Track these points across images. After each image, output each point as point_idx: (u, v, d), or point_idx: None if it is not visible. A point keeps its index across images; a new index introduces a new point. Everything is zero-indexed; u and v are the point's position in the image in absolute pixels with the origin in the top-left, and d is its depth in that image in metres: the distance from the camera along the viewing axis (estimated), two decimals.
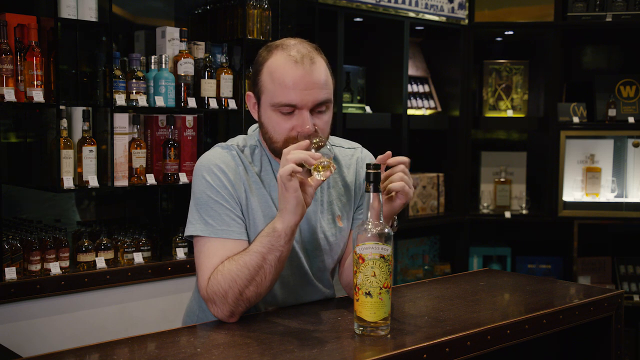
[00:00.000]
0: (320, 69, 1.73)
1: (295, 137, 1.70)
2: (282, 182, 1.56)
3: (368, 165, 1.58)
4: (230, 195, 1.74)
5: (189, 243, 2.95)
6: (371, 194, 1.58)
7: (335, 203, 1.88)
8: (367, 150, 2.01)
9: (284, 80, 1.69)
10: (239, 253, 1.66)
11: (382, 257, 1.54)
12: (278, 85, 1.70)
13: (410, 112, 4.15)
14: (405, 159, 1.68)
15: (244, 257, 1.63)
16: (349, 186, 1.92)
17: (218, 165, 1.75)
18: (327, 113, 1.76)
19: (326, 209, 1.86)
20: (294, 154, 1.56)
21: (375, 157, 1.71)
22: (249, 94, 1.82)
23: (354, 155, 1.96)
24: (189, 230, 1.74)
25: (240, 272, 1.62)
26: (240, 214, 1.75)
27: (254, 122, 1.90)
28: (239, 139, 1.87)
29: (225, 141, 1.89)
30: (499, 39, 4.69)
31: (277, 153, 1.73)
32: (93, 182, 2.71)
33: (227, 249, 1.69)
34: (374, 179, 1.58)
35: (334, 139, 1.98)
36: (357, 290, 1.57)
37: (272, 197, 1.79)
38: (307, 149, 1.59)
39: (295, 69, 1.69)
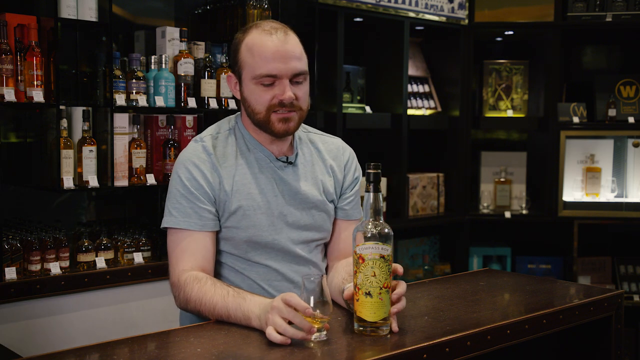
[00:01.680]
0: (294, 41, 1.83)
1: (276, 104, 1.80)
2: (267, 335, 1.51)
3: (368, 165, 1.58)
4: (197, 188, 1.82)
5: None
6: (371, 194, 1.58)
7: (319, 179, 1.96)
8: (346, 144, 2.10)
9: (262, 52, 1.79)
10: (219, 287, 1.70)
11: (382, 257, 1.54)
12: (258, 58, 1.79)
13: (410, 112, 4.15)
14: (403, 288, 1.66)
15: (217, 300, 1.68)
16: (328, 169, 1.99)
17: (192, 160, 1.85)
18: (304, 84, 1.85)
19: (311, 184, 1.94)
20: (293, 332, 1.48)
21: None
22: (230, 75, 1.91)
23: (333, 143, 2.05)
24: (162, 223, 1.86)
25: (208, 303, 1.70)
26: (208, 206, 1.83)
27: None
28: (213, 127, 1.96)
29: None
30: (499, 39, 4.69)
31: (261, 125, 1.85)
32: (93, 182, 2.71)
33: (191, 239, 1.81)
34: (374, 179, 1.58)
35: (312, 130, 2.07)
36: (357, 290, 1.57)
37: (249, 174, 1.87)
38: (309, 331, 1.49)
39: (271, 40, 1.79)
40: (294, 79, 1.81)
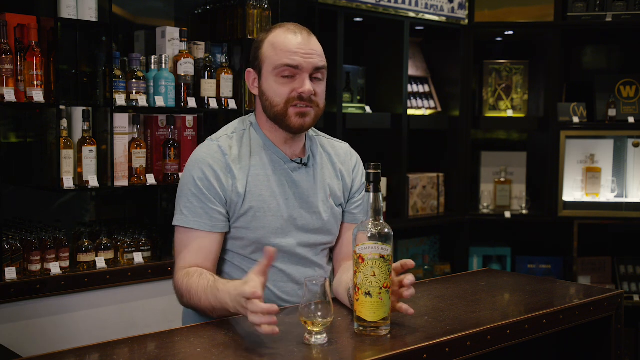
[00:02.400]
0: (316, 42, 1.87)
1: (295, 97, 1.81)
2: (249, 318, 1.49)
3: (368, 165, 1.58)
4: (210, 189, 1.83)
5: None
6: (371, 194, 1.58)
7: (328, 182, 1.97)
8: (353, 149, 2.11)
9: (285, 45, 1.82)
10: (202, 279, 1.72)
11: (382, 257, 1.54)
12: (280, 50, 1.82)
13: (410, 112, 4.15)
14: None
15: (200, 293, 1.70)
16: (337, 173, 2.00)
17: (206, 160, 1.85)
18: (323, 82, 1.88)
19: (320, 186, 1.94)
20: (268, 319, 1.46)
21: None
22: (249, 70, 1.92)
23: (342, 148, 2.06)
24: (173, 221, 1.87)
25: (195, 297, 1.73)
26: (218, 207, 1.83)
27: None
28: (228, 127, 1.96)
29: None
30: (499, 39, 4.69)
31: (277, 118, 1.85)
32: (93, 182, 2.71)
33: (199, 239, 1.82)
34: (374, 178, 1.58)
35: (322, 134, 2.08)
36: (357, 290, 1.57)
37: (262, 175, 1.87)
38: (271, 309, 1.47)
39: (295, 37, 1.83)
40: (314, 74, 1.83)
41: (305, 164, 1.93)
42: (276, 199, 1.87)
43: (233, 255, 1.90)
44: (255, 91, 1.91)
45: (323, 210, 1.93)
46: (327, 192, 1.95)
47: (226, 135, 1.91)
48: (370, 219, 1.57)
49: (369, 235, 1.55)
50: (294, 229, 1.89)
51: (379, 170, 1.58)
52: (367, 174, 1.58)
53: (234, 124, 1.96)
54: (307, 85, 1.81)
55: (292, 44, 1.81)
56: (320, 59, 1.85)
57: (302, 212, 1.90)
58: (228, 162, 1.85)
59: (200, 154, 1.87)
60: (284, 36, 1.83)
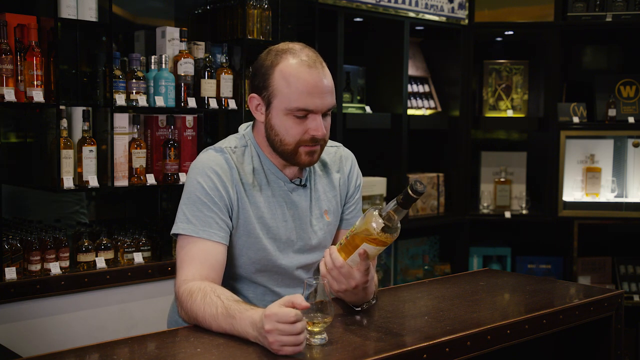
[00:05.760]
0: (329, 74, 1.80)
1: (307, 139, 1.76)
2: (266, 345, 1.45)
3: (415, 186, 1.56)
4: (220, 199, 1.78)
5: None
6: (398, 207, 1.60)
7: (322, 198, 1.94)
8: (347, 149, 2.07)
9: (301, 85, 1.74)
10: (207, 304, 1.59)
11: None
12: (294, 90, 1.74)
13: (410, 112, 4.15)
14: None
15: (209, 321, 1.58)
16: (334, 183, 1.98)
17: (213, 168, 1.79)
18: (329, 116, 1.83)
19: (314, 204, 1.92)
20: (303, 338, 1.42)
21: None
22: (254, 95, 1.83)
23: (337, 153, 2.02)
24: (173, 229, 1.81)
25: (202, 323, 1.61)
26: (227, 218, 1.79)
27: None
28: (230, 141, 1.90)
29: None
30: (499, 39, 4.69)
31: (287, 155, 1.81)
32: (93, 182, 2.71)
33: (206, 249, 1.75)
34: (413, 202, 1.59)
35: None
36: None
37: (262, 196, 1.84)
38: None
39: (310, 73, 1.74)
40: (325, 112, 1.79)
41: (305, 185, 1.90)
42: (275, 221, 1.84)
43: (227, 275, 1.84)
44: (260, 118, 1.84)
45: (319, 228, 1.92)
46: (322, 209, 1.93)
47: (230, 148, 1.84)
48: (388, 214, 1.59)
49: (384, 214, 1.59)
50: (292, 252, 1.88)
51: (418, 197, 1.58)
52: (410, 196, 1.57)
53: (236, 139, 1.89)
54: (322, 129, 1.77)
55: (309, 82, 1.74)
56: (332, 97, 1.79)
57: (300, 233, 1.88)
58: (235, 177, 1.80)
59: (209, 163, 1.80)
60: (299, 70, 1.74)
